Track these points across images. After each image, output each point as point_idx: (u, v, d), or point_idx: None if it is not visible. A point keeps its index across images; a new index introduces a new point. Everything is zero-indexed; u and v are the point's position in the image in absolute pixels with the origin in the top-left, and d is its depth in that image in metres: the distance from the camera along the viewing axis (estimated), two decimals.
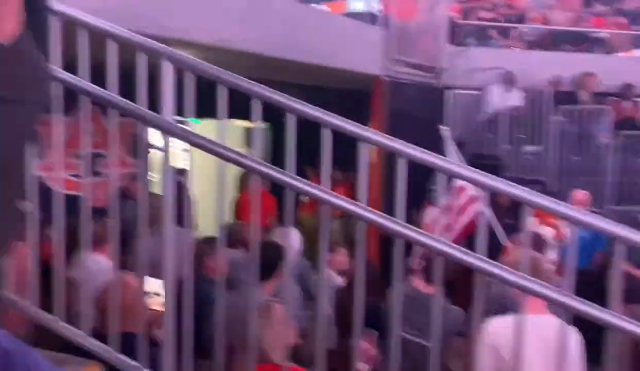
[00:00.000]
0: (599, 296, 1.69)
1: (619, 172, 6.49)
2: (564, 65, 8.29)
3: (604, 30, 9.88)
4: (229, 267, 3.26)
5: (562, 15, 10.12)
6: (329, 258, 4.20)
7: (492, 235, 5.57)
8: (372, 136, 1.75)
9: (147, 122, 1.82)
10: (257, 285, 2.70)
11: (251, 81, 1.82)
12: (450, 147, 6.08)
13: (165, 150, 1.83)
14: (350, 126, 1.75)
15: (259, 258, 1.91)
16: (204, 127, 2.67)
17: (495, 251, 5.53)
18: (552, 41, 9.42)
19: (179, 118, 1.89)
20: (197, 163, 2.00)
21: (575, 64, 8.42)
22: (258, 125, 1.89)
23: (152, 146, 1.83)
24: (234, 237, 3.79)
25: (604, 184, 6.51)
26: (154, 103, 1.88)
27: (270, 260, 2.60)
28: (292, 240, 4.04)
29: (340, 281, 4.14)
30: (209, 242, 3.32)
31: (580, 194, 5.92)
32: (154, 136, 1.96)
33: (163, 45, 1.87)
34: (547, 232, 4.97)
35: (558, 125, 6.99)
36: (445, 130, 6.16)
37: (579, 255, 1.78)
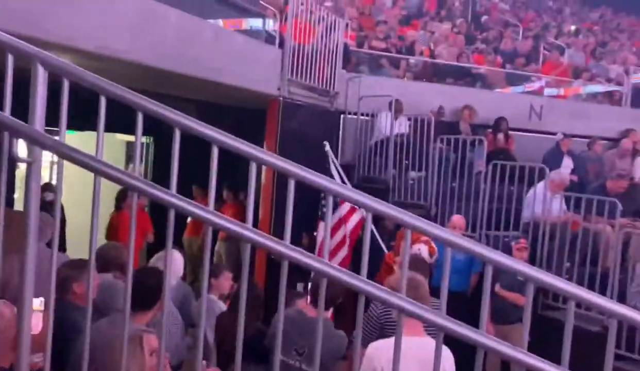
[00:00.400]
0: (477, 317, 1.79)
1: (492, 199, 7.01)
2: (447, 97, 8.91)
3: (484, 67, 10.78)
4: (103, 293, 3.04)
5: (446, 50, 10.89)
6: (212, 283, 4.09)
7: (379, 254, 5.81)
8: (262, 155, 1.73)
9: (10, 129, 1.65)
10: (134, 314, 2.54)
11: (134, 92, 1.73)
12: (331, 162, 6.38)
13: (30, 162, 1.67)
14: (239, 144, 1.71)
15: (138, 285, 1.79)
16: (84, 140, 2.49)
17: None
18: (437, 73, 10.08)
19: (53, 128, 1.74)
20: (69, 180, 1.85)
21: (457, 96, 9.07)
22: (140, 139, 1.79)
23: (16, 158, 1.66)
24: (107, 260, 3.53)
25: (478, 210, 7.00)
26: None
27: (151, 289, 2.41)
28: (175, 264, 3.86)
29: (223, 306, 4.03)
30: (77, 265, 3.08)
31: (457, 218, 6.33)
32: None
33: (35, 48, 1.72)
34: (423, 248, 5.25)
35: (439, 153, 7.43)
36: (327, 146, 6.47)
37: (456, 276, 1.87)
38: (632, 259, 5.83)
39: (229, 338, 3.43)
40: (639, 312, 1.66)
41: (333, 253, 6.09)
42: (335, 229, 6.06)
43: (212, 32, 5.82)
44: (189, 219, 8.38)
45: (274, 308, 2.03)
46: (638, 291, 5.46)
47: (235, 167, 2.80)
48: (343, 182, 6.54)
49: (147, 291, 2.31)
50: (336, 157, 7.96)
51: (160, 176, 1.83)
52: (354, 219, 5.97)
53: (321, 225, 6.09)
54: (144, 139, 9.02)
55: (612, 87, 11.21)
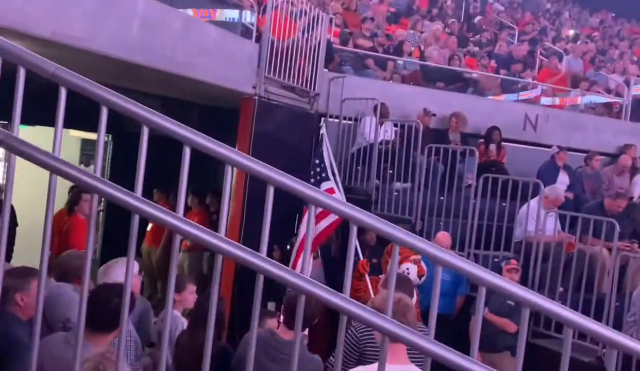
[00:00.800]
0: (460, 341, 1.81)
1: (482, 215, 7.07)
2: (436, 102, 9.00)
3: (476, 72, 10.94)
4: (51, 304, 2.97)
5: (437, 52, 11.03)
6: (175, 297, 4.04)
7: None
8: (240, 159, 1.73)
9: None
10: (94, 335, 2.48)
11: (99, 85, 1.72)
12: (325, 146, 6.40)
13: None
14: (214, 146, 1.71)
15: (101, 305, 1.75)
16: (34, 136, 2.45)
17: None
18: (426, 77, 10.20)
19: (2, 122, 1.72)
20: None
21: (447, 102, 9.18)
22: (103, 136, 1.77)
23: None
24: (68, 270, 3.46)
25: (467, 226, 7.06)
26: None
27: (116, 309, 2.28)
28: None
29: (185, 322, 3.99)
30: (21, 273, 3.02)
31: (442, 236, 6.39)
32: None
33: None
34: (412, 268, 5.29)
35: (427, 163, 7.48)
36: (323, 127, 6.51)
37: (441, 298, 1.89)
38: (629, 285, 5.96)
39: (188, 359, 3.39)
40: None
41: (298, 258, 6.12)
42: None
43: (182, 22, 5.79)
44: (149, 226, 8.29)
45: (241, 326, 2.02)
46: (634, 321, 5.57)
47: (200, 170, 2.78)
48: (334, 174, 6.55)
49: (111, 312, 2.23)
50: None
51: (119, 177, 1.80)
52: (328, 220, 6.01)
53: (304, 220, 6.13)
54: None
55: (611, 98, 11.49)
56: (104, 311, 2.38)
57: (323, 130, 6.64)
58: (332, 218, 5.98)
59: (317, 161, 6.45)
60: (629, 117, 10.97)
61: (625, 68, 13.78)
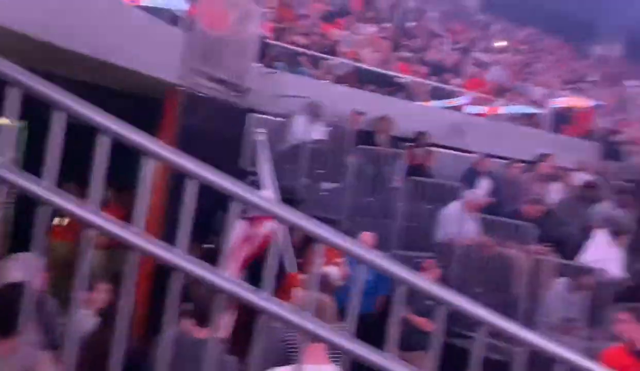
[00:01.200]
0: (380, 341, 1.85)
1: (407, 217, 7.27)
2: (368, 105, 9.14)
3: (408, 77, 11.20)
4: None
5: (370, 55, 11.22)
6: (86, 297, 3.89)
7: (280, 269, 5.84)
8: (161, 151, 1.68)
9: None
10: None
11: (9, 63, 1.63)
12: (263, 155, 6.26)
13: None
14: (135, 136, 1.66)
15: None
16: None
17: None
18: (358, 79, 10.34)
19: None
20: None
21: (378, 105, 9.35)
22: (14, 122, 1.67)
23: None
24: None
25: (393, 228, 7.23)
26: None
27: (19, 308, 2.09)
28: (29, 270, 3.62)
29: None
30: None
31: (366, 236, 6.51)
32: None
33: None
34: (334, 271, 5.35)
35: (355, 164, 7.60)
36: (261, 134, 6.32)
37: (363, 298, 1.92)
38: (541, 288, 6.29)
39: (94, 360, 3.27)
40: (549, 340, 1.79)
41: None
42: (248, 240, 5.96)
43: (105, 4, 5.60)
44: (57, 220, 7.91)
45: (158, 328, 1.98)
46: (545, 322, 5.89)
47: (118, 162, 2.68)
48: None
49: (15, 312, 2.04)
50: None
51: (30, 169, 1.71)
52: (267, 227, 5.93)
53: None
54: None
55: (534, 110, 12.09)
56: (8, 313, 2.23)
57: (261, 137, 6.43)
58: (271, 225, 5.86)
59: (252, 169, 6.33)
60: (549, 127, 11.58)
61: (548, 81, 14.52)
